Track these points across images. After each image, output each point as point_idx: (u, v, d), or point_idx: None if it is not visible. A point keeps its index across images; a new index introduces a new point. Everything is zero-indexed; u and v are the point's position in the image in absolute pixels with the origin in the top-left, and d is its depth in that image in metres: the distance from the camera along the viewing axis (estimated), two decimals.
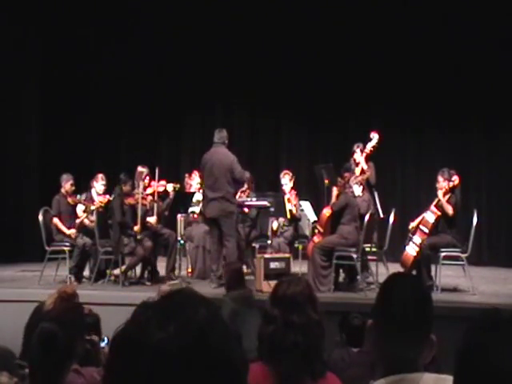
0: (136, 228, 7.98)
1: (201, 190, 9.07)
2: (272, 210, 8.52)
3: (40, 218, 8.07)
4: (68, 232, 8.21)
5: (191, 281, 8.24)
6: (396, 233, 8.46)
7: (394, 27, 10.62)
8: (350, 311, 5.08)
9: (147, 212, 8.28)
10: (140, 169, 8.37)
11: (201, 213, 8.96)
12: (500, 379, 1.10)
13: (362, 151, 8.48)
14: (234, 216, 8.02)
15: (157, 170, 8.20)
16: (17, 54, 10.68)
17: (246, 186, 8.85)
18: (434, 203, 7.66)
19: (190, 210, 8.84)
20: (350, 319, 4.77)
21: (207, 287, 7.53)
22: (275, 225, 8.87)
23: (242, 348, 0.99)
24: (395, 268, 7.03)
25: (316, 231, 8.12)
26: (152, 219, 8.25)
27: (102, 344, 4.28)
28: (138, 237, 7.98)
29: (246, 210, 8.82)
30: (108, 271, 8.23)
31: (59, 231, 8.26)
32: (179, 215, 8.54)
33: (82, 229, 8.29)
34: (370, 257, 8.12)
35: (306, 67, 11.07)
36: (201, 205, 8.90)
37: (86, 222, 8.28)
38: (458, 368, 1.19)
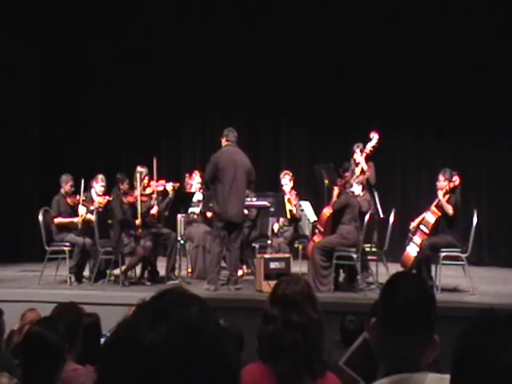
0: (137, 221, 7.98)
1: (201, 190, 9.07)
2: (272, 210, 8.51)
3: (40, 218, 8.06)
4: (75, 220, 8.21)
5: (191, 281, 8.25)
6: (396, 233, 8.45)
7: (394, 28, 10.61)
8: (350, 311, 5.07)
9: (148, 210, 8.27)
10: (139, 169, 8.36)
11: (201, 213, 8.95)
12: (496, 379, 1.10)
13: (361, 151, 8.46)
14: None
15: (155, 161, 8.19)
16: (16, 55, 10.67)
17: None
18: (435, 203, 7.66)
19: (190, 210, 8.82)
20: (348, 322, 4.74)
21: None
22: (276, 226, 8.86)
23: (235, 347, 0.98)
24: (395, 268, 7.00)
25: (316, 231, 8.11)
26: (153, 210, 8.25)
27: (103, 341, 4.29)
28: (140, 230, 7.98)
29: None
30: (108, 271, 8.24)
31: (64, 226, 8.22)
32: (179, 215, 8.54)
33: (86, 224, 8.27)
34: (370, 257, 8.10)
35: (306, 67, 11.06)
36: (201, 205, 8.90)
37: (92, 217, 8.20)
38: (455, 368, 1.19)
